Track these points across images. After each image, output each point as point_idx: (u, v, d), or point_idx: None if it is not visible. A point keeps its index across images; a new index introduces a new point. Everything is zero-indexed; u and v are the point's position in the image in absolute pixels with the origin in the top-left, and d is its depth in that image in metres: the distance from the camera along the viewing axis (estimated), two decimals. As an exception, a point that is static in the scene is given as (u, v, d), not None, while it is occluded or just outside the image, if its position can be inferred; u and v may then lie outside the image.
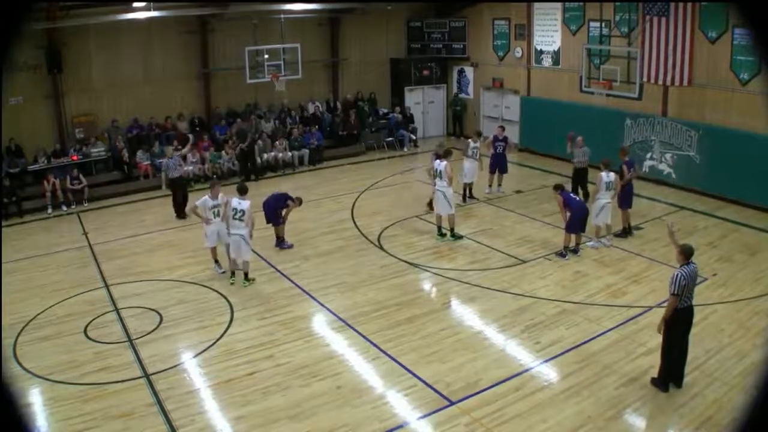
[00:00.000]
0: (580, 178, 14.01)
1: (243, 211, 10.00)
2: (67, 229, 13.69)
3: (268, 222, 11.77)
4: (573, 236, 11.14)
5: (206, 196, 10.63)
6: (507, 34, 19.43)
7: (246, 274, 10.37)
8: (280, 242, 11.90)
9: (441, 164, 11.81)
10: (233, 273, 10.45)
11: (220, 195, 10.65)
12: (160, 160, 16.43)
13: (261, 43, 17.23)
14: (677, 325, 6.89)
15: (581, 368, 7.61)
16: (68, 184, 14.93)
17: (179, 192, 14.11)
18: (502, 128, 15.22)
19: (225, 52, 17.98)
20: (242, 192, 10.33)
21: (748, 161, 13.17)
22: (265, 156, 17.44)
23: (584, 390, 7.15)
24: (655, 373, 7.20)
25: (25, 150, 15.37)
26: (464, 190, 14.29)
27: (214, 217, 10.52)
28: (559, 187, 11.23)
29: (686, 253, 6.91)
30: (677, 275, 6.71)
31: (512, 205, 14.28)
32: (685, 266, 6.82)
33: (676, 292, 6.68)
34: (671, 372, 7.09)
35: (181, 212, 13.97)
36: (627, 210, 11.98)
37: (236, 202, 10.13)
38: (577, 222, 10.98)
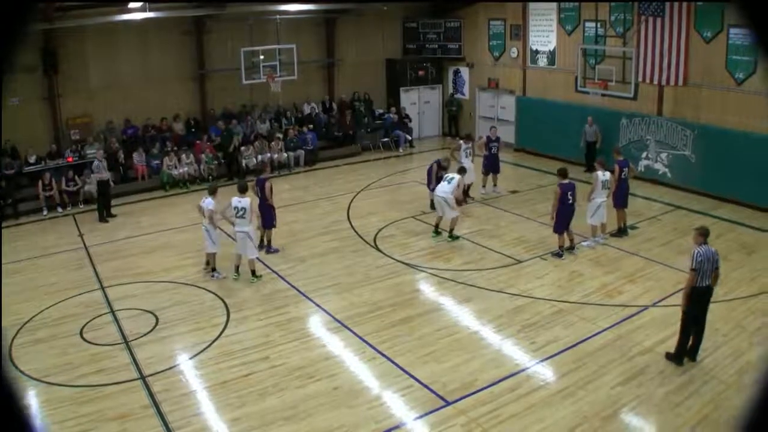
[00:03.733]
0: (591, 151, 15.71)
1: (244, 209, 10.14)
2: (62, 230, 13.63)
3: (263, 225, 11.72)
4: (565, 235, 11.15)
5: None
6: (502, 35, 19.44)
7: (253, 272, 10.43)
8: (267, 246, 11.72)
9: (455, 179, 11.93)
10: (237, 269, 10.50)
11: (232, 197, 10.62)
12: (157, 162, 16.42)
13: (257, 43, 17.20)
14: (695, 303, 7.26)
15: (577, 368, 7.62)
16: (63, 185, 14.88)
17: (101, 195, 14.08)
18: (495, 129, 15.31)
19: (221, 53, 17.94)
20: (242, 190, 10.42)
21: (744, 160, 13.20)
22: (260, 158, 17.28)
23: (580, 390, 7.16)
24: (652, 373, 7.23)
25: (21, 151, 15.30)
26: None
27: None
28: (562, 174, 11.04)
29: (703, 234, 7.32)
30: (695, 252, 7.20)
31: (508, 205, 14.29)
32: (703, 246, 7.20)
33: (693, 266, 7.15)
34: (687, 348, 7.45)
35: (102, 217, 14.01)
36: (622, 209, 12.00)
37: (236, 200, 10.24)
38: (561, 222, 10.97)
